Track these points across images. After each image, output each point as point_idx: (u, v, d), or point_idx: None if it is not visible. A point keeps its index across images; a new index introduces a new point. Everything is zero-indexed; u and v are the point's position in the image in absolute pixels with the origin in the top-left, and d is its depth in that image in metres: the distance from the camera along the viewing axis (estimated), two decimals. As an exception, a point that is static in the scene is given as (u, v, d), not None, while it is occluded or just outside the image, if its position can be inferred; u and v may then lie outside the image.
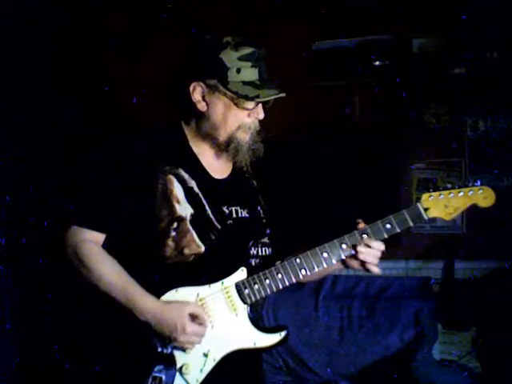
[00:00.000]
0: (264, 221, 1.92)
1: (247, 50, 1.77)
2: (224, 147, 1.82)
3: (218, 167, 1.89)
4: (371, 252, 1.77)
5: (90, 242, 1.77)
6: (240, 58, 1.76)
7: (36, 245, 3.32)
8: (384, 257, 1.81)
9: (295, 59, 3.40)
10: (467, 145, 3.43)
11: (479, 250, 3.23)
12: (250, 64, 1.77)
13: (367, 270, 1.81)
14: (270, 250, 1.91)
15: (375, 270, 1.80)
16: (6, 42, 3.45)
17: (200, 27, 3.19)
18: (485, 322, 2.98)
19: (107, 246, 1.80)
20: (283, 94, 1.78)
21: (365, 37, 3.45)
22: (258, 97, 1.76)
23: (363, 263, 1.80)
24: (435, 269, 3.27)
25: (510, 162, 3.32)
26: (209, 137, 1.84)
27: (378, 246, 1.78)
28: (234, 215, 1.85)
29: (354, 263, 1.82)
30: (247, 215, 1.88)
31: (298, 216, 2.01)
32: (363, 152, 3.37)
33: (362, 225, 1.80)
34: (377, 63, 3.44)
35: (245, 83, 1.76)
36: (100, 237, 1.78)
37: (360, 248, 1.77)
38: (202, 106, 1.80)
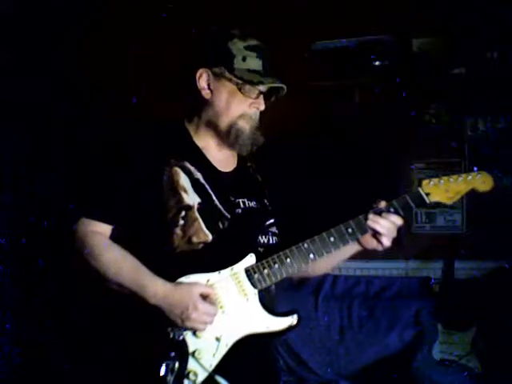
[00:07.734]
0: (271, 211, 1.96)
1: (253, 42, 1.87)
2: (225, 135, 1.88)
3: (222, 161, 1.94)
4: (389, 225, 1.84)
5: (99, 233, 1.79)
6: (246, 48, 1.85)
7: (36, 245, 3.32)
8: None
9: (295, 59, 3.40)
10: (467, 145, 3.43)
11: (479, 250, 3.23)
12: (255, 54, 1.86)
13: (379, 244, 1.87)
14: (277, 239, 1.95)
15: (387, 243, 1.86)
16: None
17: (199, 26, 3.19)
18: (485, 321, 2.98)
19: (116, 238, 1.82)
20: (284, 86, 1.88)
21: (365, 37, 3.45)
22: (262, 83, 1.85)
23: (377, 238, 1.86)
24: (435, 269, 3.27)
25: (510, 161, 3.31)
26: (211, 125, 1.89)
27: (396, 219, 1.85)
28: (242, 205, 1.89)
29: (368, 240, 1.88)
30: (255, 206, 1.92)
31: (301, 211, 2.04)
32: (363, 152, 3.37)
33: (382, 203, 1.88)
34: (377, 63, 3.44)
35: (250, 71, 1.84)
36: (108, 228, 1.82)
37: (381, 221, 1.84)
38: (206, 93, 1.87)
